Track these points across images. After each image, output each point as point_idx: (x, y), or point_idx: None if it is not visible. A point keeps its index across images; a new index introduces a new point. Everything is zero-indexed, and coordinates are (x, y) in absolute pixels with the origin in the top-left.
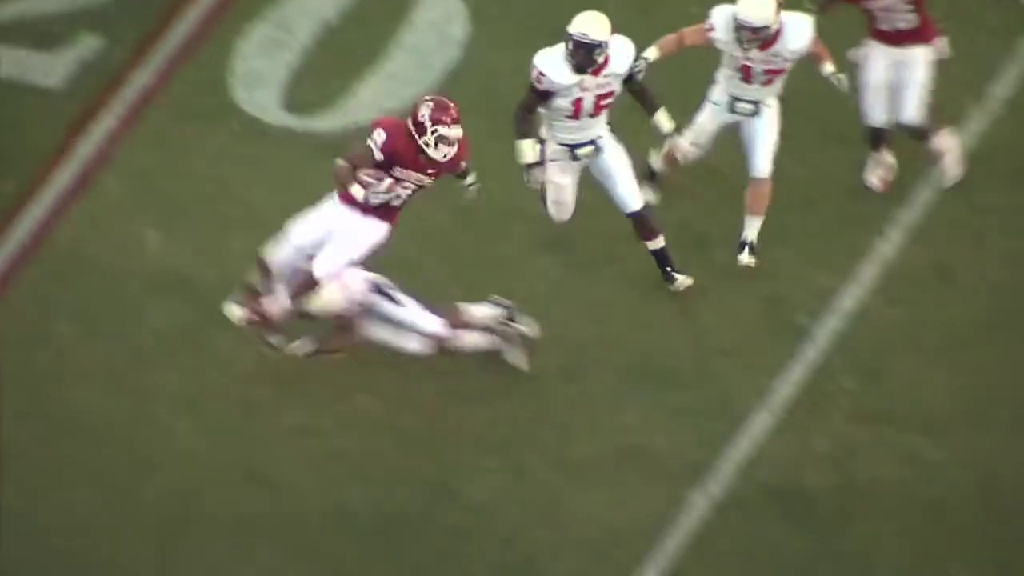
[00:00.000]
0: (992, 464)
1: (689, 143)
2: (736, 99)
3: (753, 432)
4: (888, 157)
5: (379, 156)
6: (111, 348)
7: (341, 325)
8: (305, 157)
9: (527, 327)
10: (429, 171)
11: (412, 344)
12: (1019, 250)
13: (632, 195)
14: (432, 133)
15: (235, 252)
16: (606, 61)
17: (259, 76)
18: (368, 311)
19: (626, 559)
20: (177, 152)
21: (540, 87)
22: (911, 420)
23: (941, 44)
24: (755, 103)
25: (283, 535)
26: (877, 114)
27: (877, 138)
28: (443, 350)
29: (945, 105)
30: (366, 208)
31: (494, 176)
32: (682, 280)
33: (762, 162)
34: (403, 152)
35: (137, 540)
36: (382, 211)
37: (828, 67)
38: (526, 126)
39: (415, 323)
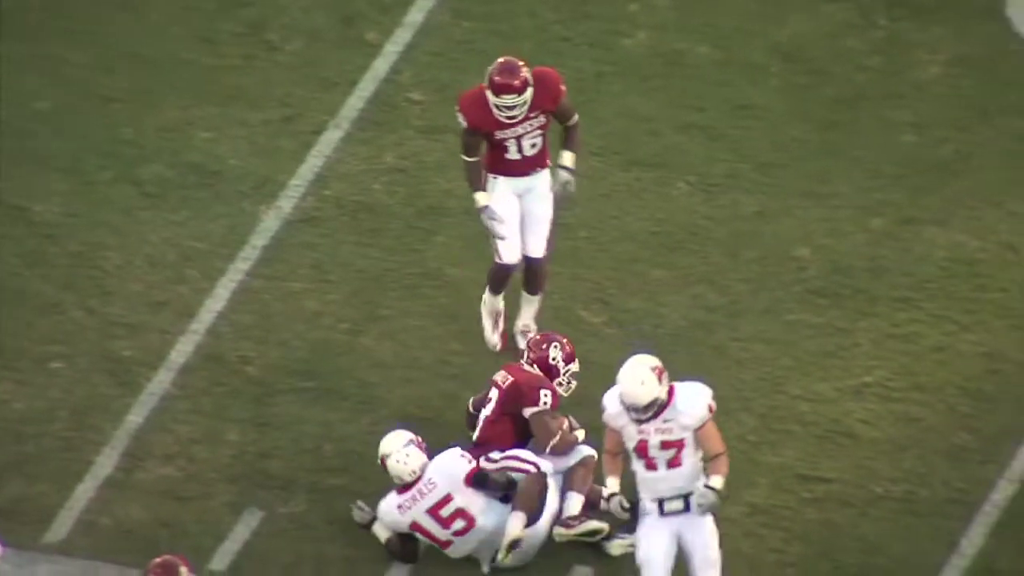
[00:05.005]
0: None
1: None
2: (659, 500)
3: (323, 148)
4: None
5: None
6: None
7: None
8: None
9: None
10: None
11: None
12: None
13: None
14: (566, 373)
15: None
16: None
17: None
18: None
19: (200, 277)
20: None
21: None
22: None
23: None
24: (681, 497)
25: None
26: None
27: None
28: None
29: None
30: None
31: None
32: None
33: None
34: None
35: None
36: None
37: (716, 481)
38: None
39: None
